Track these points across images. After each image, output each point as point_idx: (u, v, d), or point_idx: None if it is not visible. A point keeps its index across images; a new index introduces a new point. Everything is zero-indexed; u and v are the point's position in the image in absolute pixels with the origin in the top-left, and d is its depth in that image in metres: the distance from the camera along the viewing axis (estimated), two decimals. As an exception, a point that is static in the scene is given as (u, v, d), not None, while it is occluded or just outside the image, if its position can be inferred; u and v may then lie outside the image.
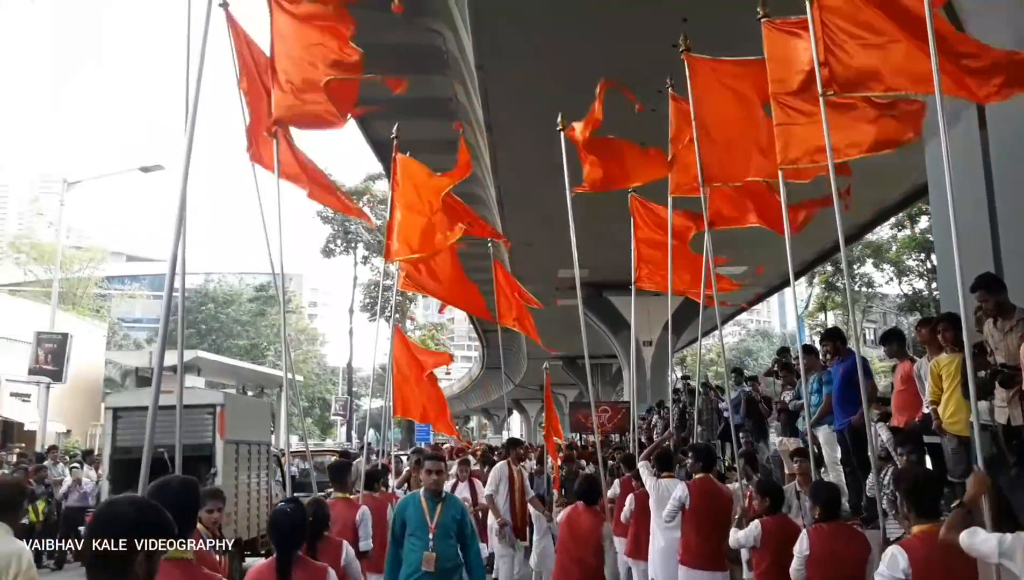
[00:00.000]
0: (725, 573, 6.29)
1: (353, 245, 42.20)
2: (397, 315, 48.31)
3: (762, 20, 5.51)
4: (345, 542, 4.55)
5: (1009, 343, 5.45)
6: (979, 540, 3.23)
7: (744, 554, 5.81)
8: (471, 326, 42.74)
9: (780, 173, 5.66)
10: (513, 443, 9.84)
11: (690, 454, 7.05)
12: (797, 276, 27.22)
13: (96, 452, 16.06)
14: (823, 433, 7.89)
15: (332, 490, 6.37)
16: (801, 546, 4.64)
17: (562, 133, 7.58)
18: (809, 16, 4.74)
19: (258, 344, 52.05)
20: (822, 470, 7.92)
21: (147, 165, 24.14)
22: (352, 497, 6.41)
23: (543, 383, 11.21)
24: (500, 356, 42.08)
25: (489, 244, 10.19)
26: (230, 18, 5.67)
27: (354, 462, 8.57)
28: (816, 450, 7.97)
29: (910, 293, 34.71)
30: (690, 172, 6.86)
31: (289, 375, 7.22)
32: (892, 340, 7.69)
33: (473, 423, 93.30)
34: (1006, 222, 6.91)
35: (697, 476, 6.52)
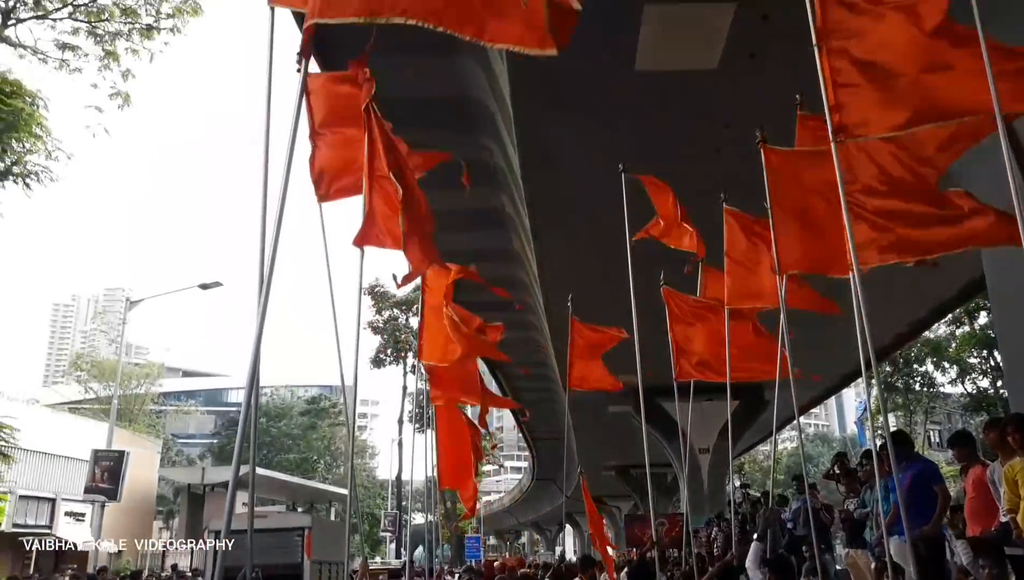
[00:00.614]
0: None
1: (403, 354, 42.48)
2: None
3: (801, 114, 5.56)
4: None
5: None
6: None
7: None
8: (520, 435, 42.09)
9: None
10: (587, 562, 9.64)
11: (768, 570, 6.74)
12: (851, 379, 26.63)
13: (147, 572, 15.94)
14: (895, 544, 7.46)
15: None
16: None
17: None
18: (819, 62, 4.60)
19: (308, 458, 52.05)
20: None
21: (206, 282, 24.95)
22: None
23: (592, 493, 10.95)
24: (550, 467, 41.40)
25: (569, 304, 10.19)
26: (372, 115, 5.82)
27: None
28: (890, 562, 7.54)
29: (974, 392, 33.42)
30: (748, 287, 6.94)
31: (347, 491, 7.24)
32: (961, 443, 7.34)
33: (524, 538, 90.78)
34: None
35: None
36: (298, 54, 4.45)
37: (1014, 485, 5.79)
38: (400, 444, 42.90)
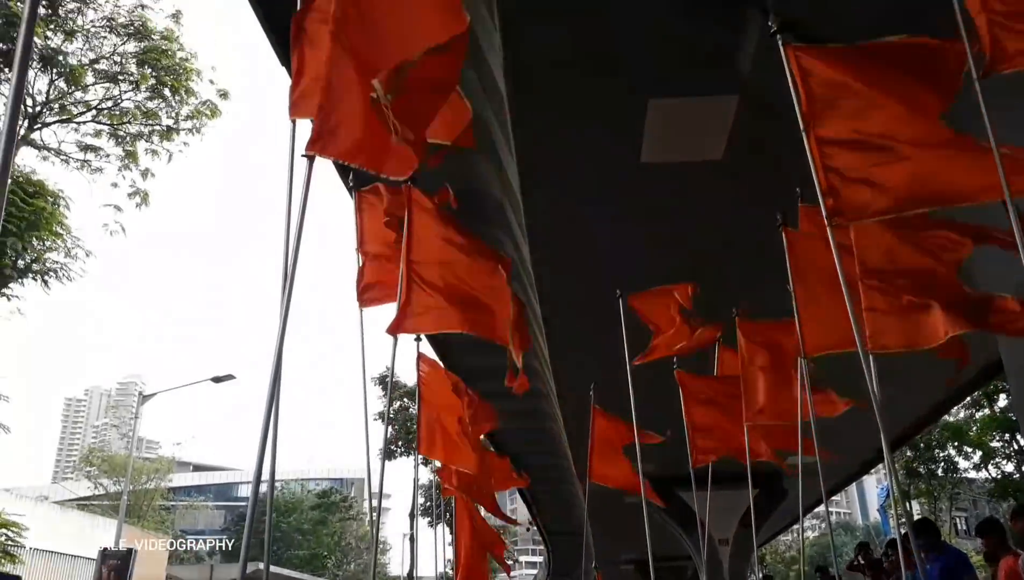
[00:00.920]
0: None
1: (413, 446, 41.86)
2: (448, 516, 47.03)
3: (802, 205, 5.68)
4: None
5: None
6: None
7: None
8: (535, 528, 41.14)
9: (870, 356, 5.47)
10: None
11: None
12: (871, 465, 26.11)
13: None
14: (927, 638, 7.20)
15: None
16: None
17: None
18: (807, 147, 4.69)
19: (318, 554, 50.88)
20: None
21: (220, 375, 24.97)
22: None
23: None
24: (567, 561, 40.22)
25: (591, 392, 10.12)
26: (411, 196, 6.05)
27: None
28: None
29: (999, 477, 32.58)
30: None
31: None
32: (990, 531, 7.15)
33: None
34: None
35: None
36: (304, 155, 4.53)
37: (1046, 575, 5.62)
38: (412, 539, 41.93)
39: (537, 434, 21.42)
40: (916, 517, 22.96)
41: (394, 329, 5.51)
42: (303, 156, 4.07)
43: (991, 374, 16.60)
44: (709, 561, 20.06)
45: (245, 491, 70.19)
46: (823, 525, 63.61)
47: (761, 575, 18.17)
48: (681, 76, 7.62)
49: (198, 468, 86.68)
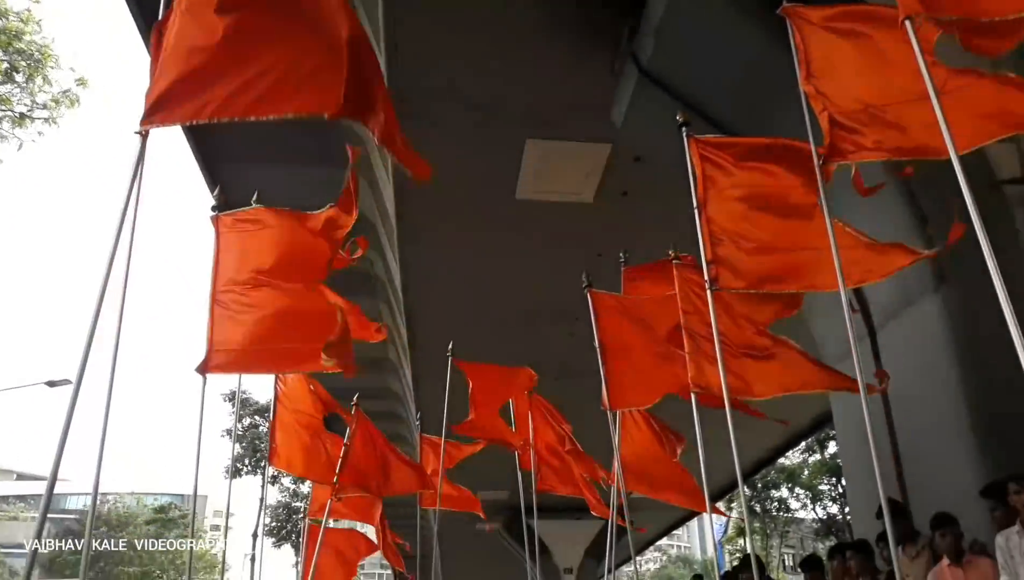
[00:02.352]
0: None
1: (262, 464, 40.53)
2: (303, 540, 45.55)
3: (674, 262, 6.00)
4: None
5: (917, 570, 5.57)
6: None
7: None
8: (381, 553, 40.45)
9: (693, 396, 5.85)
10: None
11: None
12: (715, 499, 27.42)
13: None
14: (749, 668, 7.63)
15: None
16: None
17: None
18: (697, 222, 5.07)
19: (150, 572, 47.96)
20: None
21: (55, 379, 23.31)
22: None
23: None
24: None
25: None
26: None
27: None
28: None
29: (824, 518, 34.94)
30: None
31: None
32: (812, 567, 7.71)
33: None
34: (907, 448, 7.25)
35: None
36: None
37: (856, 610, 6.13)
38: (253, 559, 40.34)
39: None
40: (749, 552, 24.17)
41: (202, 369, 5.08)
42: (135, 133, 3.82)
43: (824, 421, 17.95)
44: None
45: (75, 503, 65.39)
46: (663, 558, 65.89)
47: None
48: (560, 119, 7.92)
49: (22, 477, 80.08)
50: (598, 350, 6.68)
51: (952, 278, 6.53)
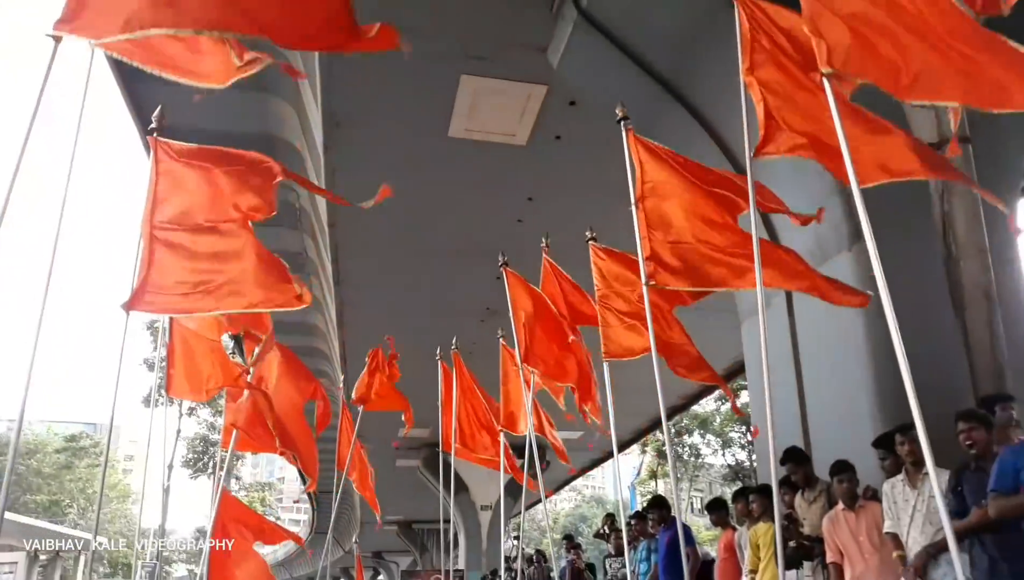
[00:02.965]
0: None
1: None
2: (221, 473, 45.14)
3: (589, 242, 6.18)
4: None
5: (812, 515, 5.88)
6: None
7: None
8: (302, 487, 40.57)
9: (606, 364, 6.03)
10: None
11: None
12: (629, 444, 28.27)
13: None
14: (652, 602, 7.98)
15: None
16: None
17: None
18: (634, 215, 5.18)
19: (59, 500, 46.94)
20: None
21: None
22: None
23: (371, 550, 10.90)
24: (330, 520, 40.04)
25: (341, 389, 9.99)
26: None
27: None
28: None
29: (733, 464, 36.48)
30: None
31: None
32: (716, 509, 8.06)
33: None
34: (813, 400, 7.58)
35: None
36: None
37: (756, 548, 6.44)
38: (167, 490, 39.82)
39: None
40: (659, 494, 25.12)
41: (130, 306, 4.80)
42: (48, 35, 3.54)
43: (737, 372, 18.56)
44: (471, 526, 20.89)
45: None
46: (578, 497, 67.91)
47: (512, 535, 19.13)
48: (496, 57, 7.78)
49: (-79, 400, 76.76)
50: (512, 317, 6.83)
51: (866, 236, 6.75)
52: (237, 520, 7.72)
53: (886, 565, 5.06)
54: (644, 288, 5.09)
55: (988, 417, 4.74)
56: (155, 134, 4.99)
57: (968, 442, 4.57)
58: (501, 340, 7.98)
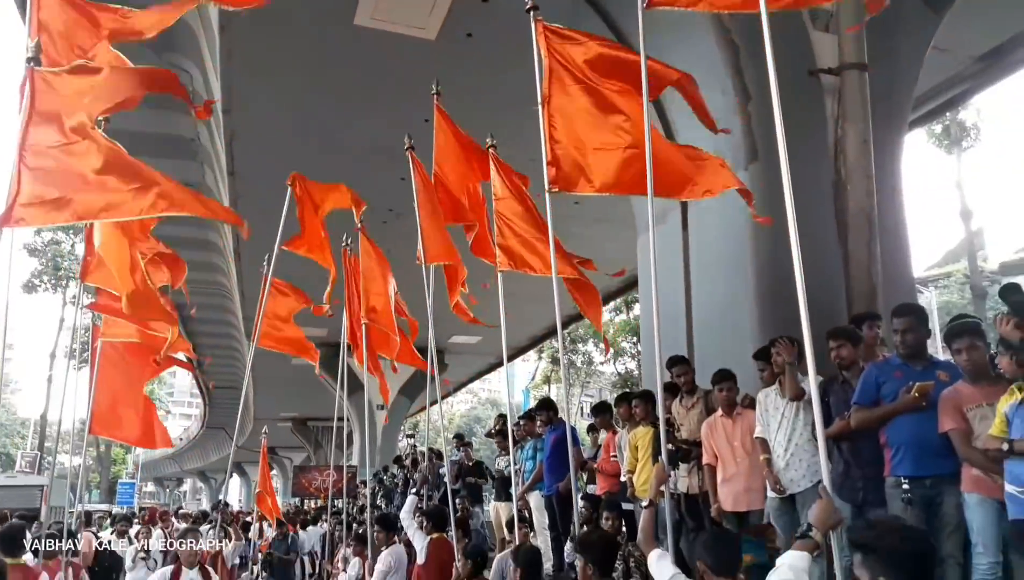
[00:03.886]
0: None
1: (63, 283, 38.05)
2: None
3: (489, 149, 6.14)
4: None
5: (691, 419, 6.20)
6: (660, 564, 3.55)
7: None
8: (193, 382, 39.89)
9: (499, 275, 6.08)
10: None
11: (424, 517, 7.14)
12: (526, 349, 28.90)
13: None
14: (534, 499, 8.33)
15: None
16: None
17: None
18: (541, 119, 5.10)
19: (-71, 388, 44.65)
20: (531, 535, 8.29)
21: None
22: (28, 563, 5.76)
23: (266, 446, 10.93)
24: (223, 415, 39.71)
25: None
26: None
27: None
28: (528, 515, 8.40)
29: (623, 372, 37.93)
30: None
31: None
32: (600, 412, 8.40)
33: (187, 486, 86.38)
34: (699, 311, 7.89)
35: (432, 536, 6.70)
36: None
37: (635, 449, 6.77)
38: (50, 380, 38.46)
39: (208, 287, 20.55)
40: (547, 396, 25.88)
41: (3, 222, 4.59)
42: None
43: (632, 285, 19.09)
44: (366, 424, 21.13)
45: None
46: (474, 399, 69.49)
47: (406, 434, 19.48)
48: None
49: None
50: (416, 210, 6.73)
51: (763, 156, 6.94)
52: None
53: (755, 468, 5.42)
54: (547, 195, 5.07)
55: (857, 334, 5.05)
56: (33, 65, 4.76)
57: (837, 358, 4.87)
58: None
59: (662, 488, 4.03)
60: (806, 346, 3.39)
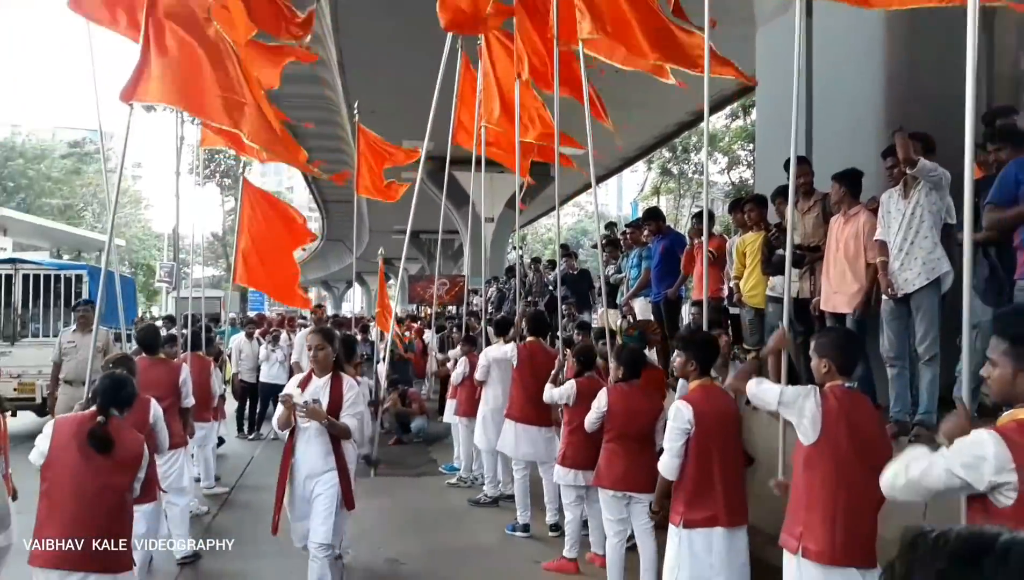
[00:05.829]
0: (550, 428, 6.66)
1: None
2: (228, 180, 45.62)
3: None
4: (153, 400, 4.80)
5: (806, 223, 6.00)
6: (763, 389, 3.51)
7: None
8: (311, 196, 41.38)
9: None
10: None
11: (524, 322, 7.36)
12: (635, 160, 28.29)
13: None
14: (639, 304, 8.45)
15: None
16: (599, 402, 5.07)
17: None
18: None
19: (73, 204, 48.11)
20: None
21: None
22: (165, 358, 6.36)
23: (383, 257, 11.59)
24: (341, 228, 41.20)
25: (356, 110, 9.79)
26: None
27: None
28: (634, 320, 8.55)
29: (737, 182, 36.69)
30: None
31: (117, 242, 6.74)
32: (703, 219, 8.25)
33: (312, 295, 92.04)
34: (820, 111, 7.40)
35: (528, 340, 6.94)
36: None
37: (742, 256, 6.68)
38: (177, 196, 40.56)
39: (317, 100, 20.76)
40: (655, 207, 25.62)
41: (127, 96, 4.90)
42: None
43: (750, 88, 18.02)
44: (474, 236, 21.60)
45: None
46: (581, 213, 69.55)
47: (514, 248, 19.78)
48: None
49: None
50: None
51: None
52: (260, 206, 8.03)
53: (846, 274, 5.27)
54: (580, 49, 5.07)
55: (1013, 133, 4.62)
56: None
57: (995, 161, 4.51)
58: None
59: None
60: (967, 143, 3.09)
